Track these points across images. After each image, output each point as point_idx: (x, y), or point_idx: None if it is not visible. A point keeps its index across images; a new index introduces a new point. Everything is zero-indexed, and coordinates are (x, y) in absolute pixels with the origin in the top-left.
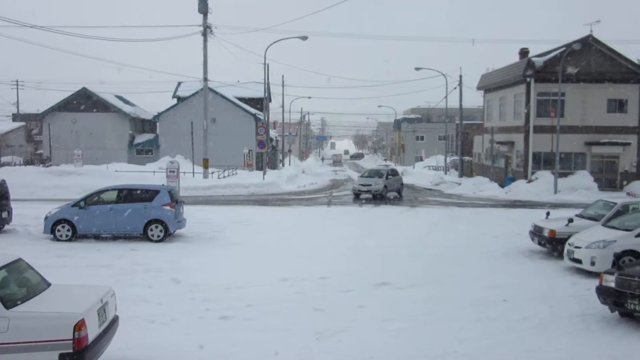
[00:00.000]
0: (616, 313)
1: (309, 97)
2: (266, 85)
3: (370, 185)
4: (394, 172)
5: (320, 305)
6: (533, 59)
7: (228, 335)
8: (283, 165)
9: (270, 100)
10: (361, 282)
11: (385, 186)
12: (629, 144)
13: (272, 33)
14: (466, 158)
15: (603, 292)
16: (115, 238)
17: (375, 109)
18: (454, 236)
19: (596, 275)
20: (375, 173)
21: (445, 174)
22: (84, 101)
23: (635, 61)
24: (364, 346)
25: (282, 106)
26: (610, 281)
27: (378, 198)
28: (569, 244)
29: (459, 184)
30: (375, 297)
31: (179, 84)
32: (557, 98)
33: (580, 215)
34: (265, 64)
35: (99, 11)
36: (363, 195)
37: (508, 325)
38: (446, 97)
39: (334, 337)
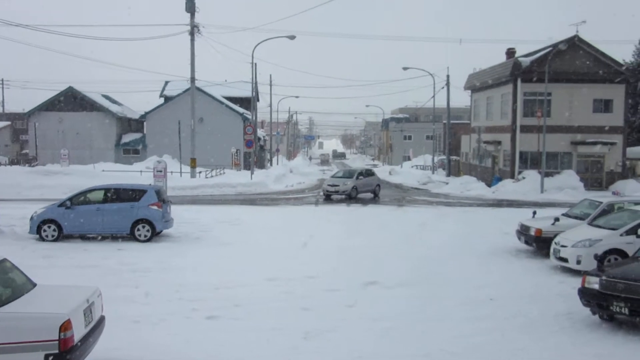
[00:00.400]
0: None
1: (297, 97)
2: (254, 85)
3: (338, 185)
4: (368, 173)
5: (308, 305)
6: (520, 59)
7: (215, 335)
8: (271, 165)
9: (258, 100)
10: (349, 281)
11: (354, 187)
12: (614, 143)
13: (260, 32)
14: (453, 157)
15: (586, 294)
16: (101, 238)
17: (363, 109)
18: (442, 235)
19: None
20: (346, 174)
21: (433, 173)
22: (71, 100)
23: (621, 61)
24: (352, 346)
25: (270, 105)
26: (594, 283)
27: (350, 198)
28: (555, 243)
29: (447, 184)
30: (363, 296)
31: (166, 83)
32: (544, 98)
33: (566, 215)
34: (252, 63)
35: (86, 10)
36: (334, 196)
37: (495, 325)
38: (434, 96)
39: (322, 337)
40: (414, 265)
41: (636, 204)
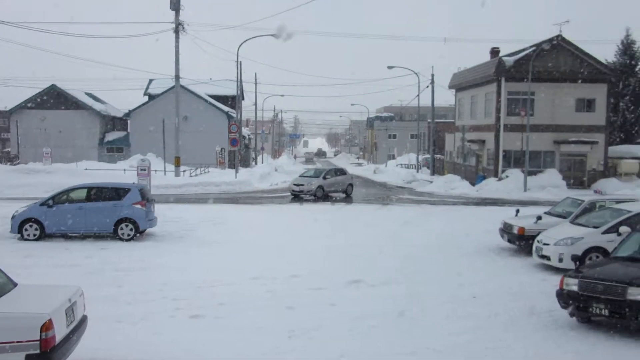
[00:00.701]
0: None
1: (282, 95)
2: (239, 83)
3: (303, 185)
4: (339, 172)
5: (291, 304)
6: (504, 59)
7: (199, 334)
8: (256, 164)
9: (243, 98)
10: (333, 280)
11: (320, 186)
12: (596, 142)
13: (245, 30)
14: (438, 156)
15: (564, 296)
16: (84, 237)
17: (349, 107)
18: (426, 234)
19: (565, 271)
20: (314, 173)
21: (417, 172)
22: (53, 98)
23: (603, 61)
24: (335, 344)
25: (255, 104)
26: (572, 285)
27: (317, 197)
28: (538, 241)
29: (431, 182)
30: (347, 295)
31: (151, 81)
32: (527, 97)
33: (548, 213)
34: (237, 61)
35: (70, 7)
36: (303, 196)
37: (478, 323)
38: (418, 95)
39: (306, 335)
40: (399, 263)
41: (617, 202)
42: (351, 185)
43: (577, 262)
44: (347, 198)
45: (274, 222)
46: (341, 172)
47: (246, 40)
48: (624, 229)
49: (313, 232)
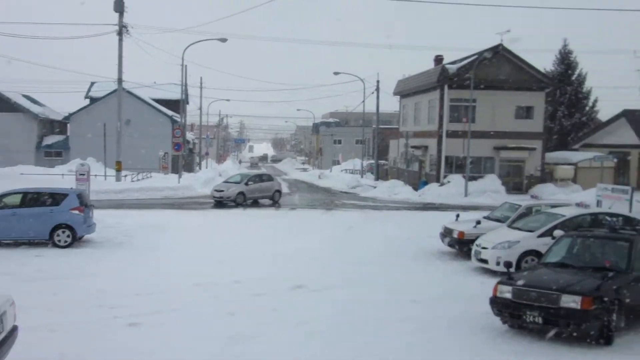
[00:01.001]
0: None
1: (228, 100)
2: (184, 87)
3: (223, 191)
4: (263, 178)
5: (233, 310)
6: (447, 66)
7: (137, 342)
8: (200, 169)
9: (187, 102)
10: (276, 285)
11: (240, 193)
12: (534, 149)
13: (191, 34)
14: (382, 162)
15: (498, 304)
16: (19, 244)
17: (295, 113)
18: (369, 238)
19: (502, 274)
20: (236, 179)
21: (362, 177)
22: None
23: (542, 70)
24: (276, 350)
25: (200, 108)
26: (506, 292)
27: (237, 204)
28: (477, 245)
29: (375, 187)
30: (289, 300)
31: (92, 84)
32: (469, 104)
33: (487, 217)
34: (183, 65)
35: (10, 6)
36: (225, 202)
37: (419, 326)
38: (364, 101)
39: (247, 342)
40: (341, 268)
41: (553, 206)
42: (279, 192)
43: (509, 268)
44: (275, 204)
45: (217, 228)
46: (267, 178)
47: (192, 43)
48: (557, 233)
49: (256, 237)
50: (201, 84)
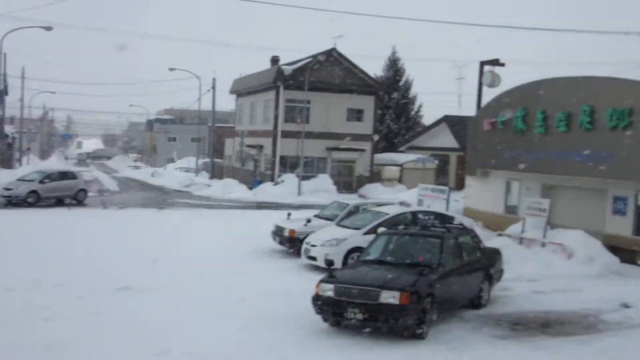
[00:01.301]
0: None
1: (54, 92)
2: (3, 77)
3: (12, 189)
4: (66, 176)
5: (51, 315)
6: (283, 67)
7: None
8: (20, 165)
9: (7, 94)
10: (100, 288)
11: (32, 191)
12: (364, 150)
13: (13, 20)
14: (218, 160)
15: (320, 302)
16: None
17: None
18: (200, 238)
19: (336, 269)
20: (33, 176)
21: (197, 176)
22: None
23: (372, 75)
24: (97, 356)
25: (22, 100)
26: (328, 290)
27: (30, 204)
28: (306, 243)
29: (209, 186)
30: (113, 302)
31: None
32: (304, 105)
33: (317, 216)
34: (1, 53)
35: None
36: (15, 201)
37: (244, 324)
38: (199, 99)
39: (64, 348)
40: (169, 268)
41: (378, 205)
42: (84, 190)
43: (331, 266)
44: (80, 204)
45: (35, 228)
46: (72, 175)
47: (12, 30)
48: (381, 230)
49: (76, 237)
50: (23, 74)
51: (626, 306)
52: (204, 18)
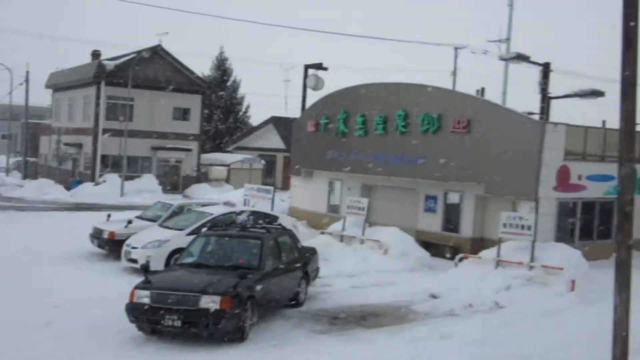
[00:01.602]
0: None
1: None
2: None
3: None
4: None
5: None
6: (104, 62)
7: None
8: None
9: None
10: None
11: None
12: (190, 150)
13: None
14: (32, 159)
15: (136, 311)
16: None
17: None
18: (10, 243)
19: (152, 274)
20: None
21: (7, 175)
22: None
23: (199, 74)
24: None
25: None
26: (144, 297)
27: None
28: (127, 245)
29: (22, 187)
30: None
31: None
32: (127, 103)
33: (140, 217)
34: None
35: None
36: None
37: (57, 333)
38: (11, 93)
39: None
40: None
41: (203, 205)
42: None
43: (146, 271)
44: None
45: None
46: None
47: None
48: (203, 232)
49: None
50: None
51: (434, 296)
52: (14, 4)
